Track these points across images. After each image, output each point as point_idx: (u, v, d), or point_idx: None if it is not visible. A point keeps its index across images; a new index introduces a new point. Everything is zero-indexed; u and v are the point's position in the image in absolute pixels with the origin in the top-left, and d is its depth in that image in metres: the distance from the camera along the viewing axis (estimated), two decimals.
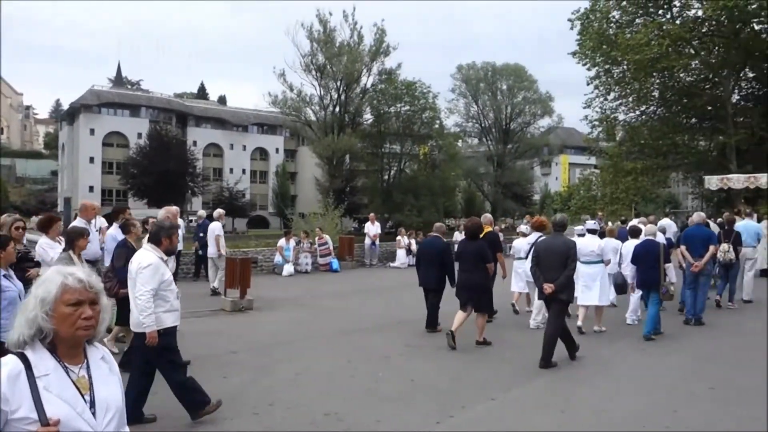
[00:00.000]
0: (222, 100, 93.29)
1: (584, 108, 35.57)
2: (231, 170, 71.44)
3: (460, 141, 59.46)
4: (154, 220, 9.64)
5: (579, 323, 9.07)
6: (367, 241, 21.24)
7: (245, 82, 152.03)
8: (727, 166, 31.06)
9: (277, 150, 77.04)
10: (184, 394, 5.10)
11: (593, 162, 53.02)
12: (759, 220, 16.49)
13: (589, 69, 33.81)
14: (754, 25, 29.86)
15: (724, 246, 11.04)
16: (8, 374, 1.84)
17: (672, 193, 61.36)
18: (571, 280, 7.24)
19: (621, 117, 35.74)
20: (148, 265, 4.96)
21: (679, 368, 7.11)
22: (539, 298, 7.87)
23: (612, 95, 34.68)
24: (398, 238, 21.98)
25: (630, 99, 34.17)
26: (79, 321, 1.94)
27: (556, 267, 7.07)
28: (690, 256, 10.05)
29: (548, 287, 7.05)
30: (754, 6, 26.17)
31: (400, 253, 21.26)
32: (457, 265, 8.68)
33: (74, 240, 6.42)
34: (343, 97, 46.41)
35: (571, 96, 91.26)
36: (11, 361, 1.89)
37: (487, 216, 11.11)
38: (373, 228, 21.42)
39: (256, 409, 5.52)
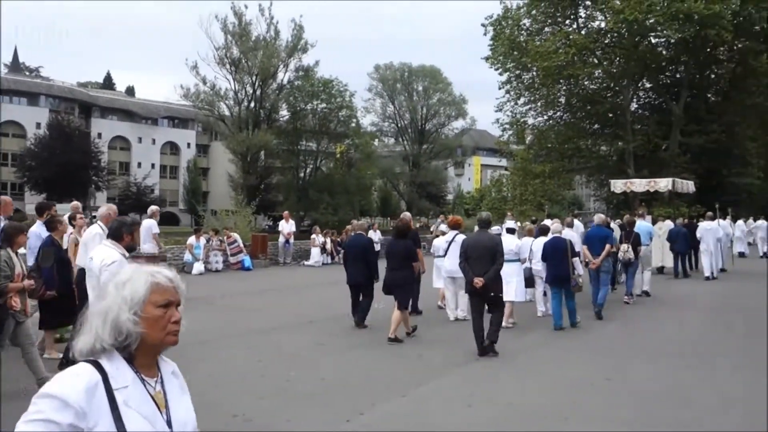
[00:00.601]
0: (130, 91, 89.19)
1: (496, 111, 36.85)
2: (139, 164, 68.48)
3: (377, 140, 59.89)
4: (82, 216, 9.12)
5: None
6: (281, 239, 20.96)
7: (155, 73, 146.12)
8: (626, 170, 33.02)
9: (188, 145, 74.63)
10: None
11: (504, 164, 54.87)
12: (654, 222, 17.80)
13: (501, 74, 35.00)
14: (651, 38, 31.93)
15: (624, 246, 11.89)
16: (86, 386, 1.57)
17: (576, 194, 64.48)
18: (499, 274, 7.62)
19: (530, 121, 37.33)
20: (113, 261, 4.83)
21: (580, 360, 7.47)
22: (467, 292, 8.11)
23: (522, 100, 36.09)
24: (313, 236, 21.83)
25: (539, 104, 35.72)
26: (170, 325, 1.71)
27: (484, 261, 7.45)
28: (590, 254, 10.77)
29: (478, 280, 7.35)
30: (651, 21, 27.89)
31: (315, 252, 21.12)
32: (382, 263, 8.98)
33: (13, 237, 5.86)
34: (258, 92, 45.58)
35: (484, 99, 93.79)
36: (86, 370, 1.61)
37: (407, 215, 11.40)
38: (287, 226, 21.17)
39: None
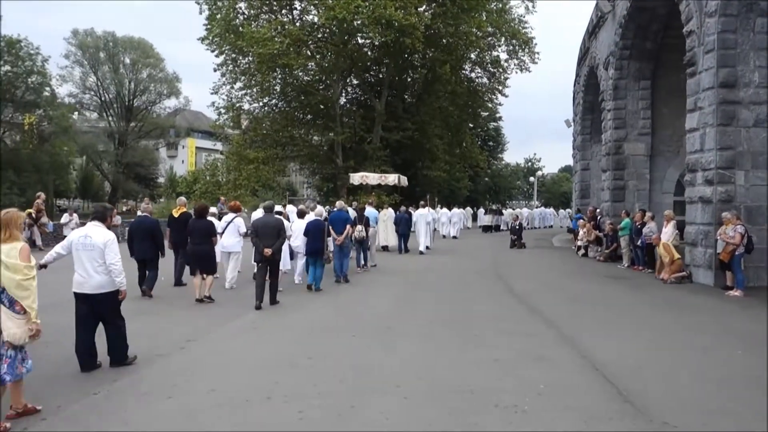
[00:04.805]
0: None
1: (212, 94, 36.04)
2: None
3: (76, 113, 53.81)
4: None
5: None
6: None
7: None
8: (335, 160, 35.23)
9: None
10: (124, 344, 6.40)
11: (220, 148, 53.97)
12: (378, 209, 21.39)
13: (217, 56, 34.27)
14: (359, 39, 34.42)
15: (359, 227, 14.83)
16: None
17: (290, 181, 66.51)
18: (282, 247, 10.58)
19: (246, 106, 37.23)
20: (114, 238, 6.19)
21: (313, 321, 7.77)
22: (255, 260, 10.41)
23: (238, 84, 35.89)
24: None
25: (254, 90, 35.81)
26: None
27: (271, 237, 10.10)
28: (334, 233, 12.99)
29: (268, 251, 9.94)
30: (358, 22, 30.04)
31: None
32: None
33: None
34: None
35: (200, 80, 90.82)
36: None
37: (182, 199, 13.56)
38: None
39: None
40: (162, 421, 4.88)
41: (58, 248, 6.32)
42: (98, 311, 6.19)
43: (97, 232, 6.16)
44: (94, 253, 6.06)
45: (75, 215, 22.99)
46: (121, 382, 5.86)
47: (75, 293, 6.15)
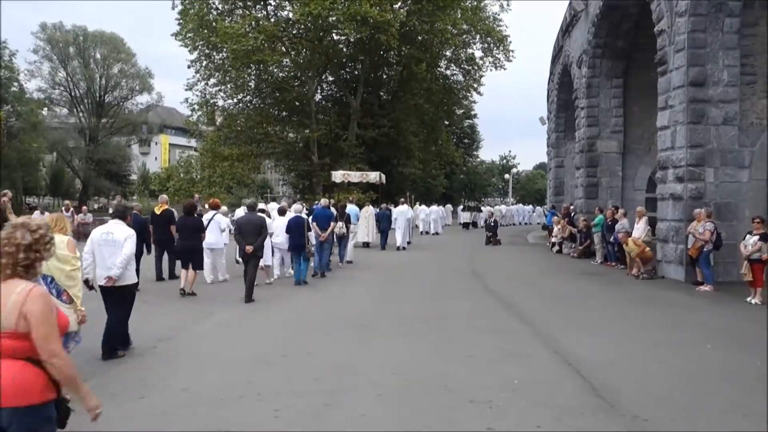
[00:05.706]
0: None
1: (186, 90, 35.50)
2: None
3: (45, 109, 52.71)
4: None
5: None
6: None
7: None
8: (310, 157, 35.05)
9: None
10: (116, 339, 6.65)
11: (194, 144, 53.29)
12: (360, 206, 21.95)
13: (190, 52, 33.79)
14: (334, 35, 34.22)
15: (340, 224, 15.37)
16: None
17: (265, 178, 66.04)
18: (264, 243, 10.82)
19: (220, 103, 36.77)
20: (134, 234, 6.80)
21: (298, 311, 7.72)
22: (240, 256, 11.33)
23: (212, 81, 35.35)
24: None
25: (229, 86, 35.36)
26: None
27: (253, 234, 10.44)
28: (318, 229, 13.55)
29: (249, 248, 10.30)
30: (333, 18, 29.86)
31: None
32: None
33: None
34: None
35: (174, 76, 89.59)
36: None
37: (164, 197, 13.81)
38: None
39: None
40: (134, 421, 4.82)
41: (86, 256, 6.61)
42: (114, 301, 6.69)
43: (119, 229, 6.74)
44: (116, 248, 6.61)
45: (46, 213, 22.65)
46: (93, 381, 5.67)
47: (100, 287, 6.69)
